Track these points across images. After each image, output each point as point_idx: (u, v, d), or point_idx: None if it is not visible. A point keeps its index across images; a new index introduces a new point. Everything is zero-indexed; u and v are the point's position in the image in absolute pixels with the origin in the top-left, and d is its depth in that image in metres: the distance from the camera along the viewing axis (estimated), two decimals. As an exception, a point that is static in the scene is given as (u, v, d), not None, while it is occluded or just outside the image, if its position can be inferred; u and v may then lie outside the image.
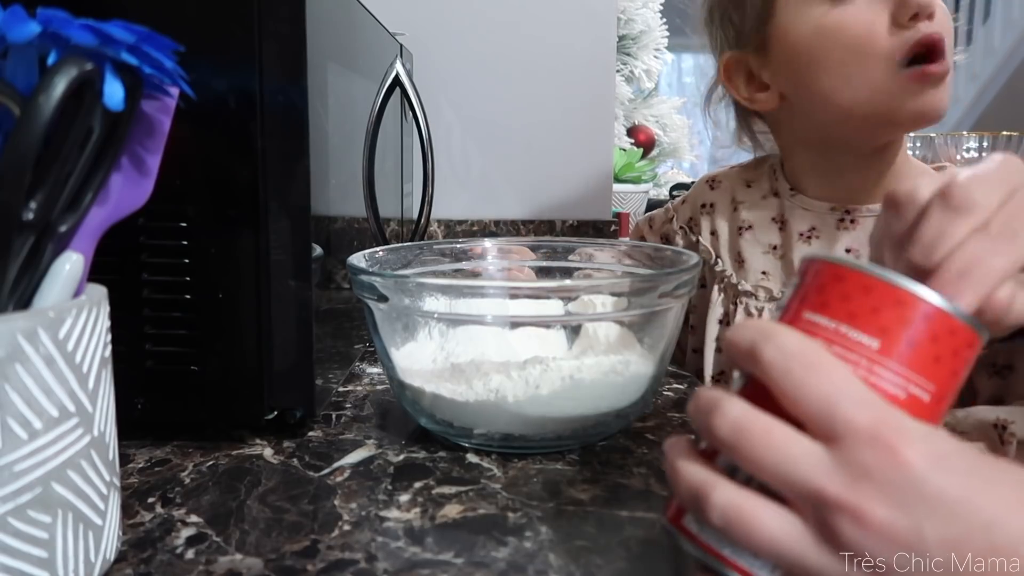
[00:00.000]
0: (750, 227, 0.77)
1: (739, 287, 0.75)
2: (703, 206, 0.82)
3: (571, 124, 1.14)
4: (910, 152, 1.34)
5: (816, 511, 0.25)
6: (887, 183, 0.70)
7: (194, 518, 0.41)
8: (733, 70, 0.73)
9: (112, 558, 0.35)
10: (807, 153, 0.74)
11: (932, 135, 1.29)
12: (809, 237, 0.72)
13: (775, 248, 0.75)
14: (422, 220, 0.79)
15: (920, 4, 0.59)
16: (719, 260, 0.78)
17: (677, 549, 0.31)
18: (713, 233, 0.80)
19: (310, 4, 0.47)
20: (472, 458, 0.49)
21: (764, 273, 0.74)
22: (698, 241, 0.81)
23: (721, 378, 0.76)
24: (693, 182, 0.92)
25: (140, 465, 0.47)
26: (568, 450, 0.50)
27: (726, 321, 0.76)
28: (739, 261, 0.76)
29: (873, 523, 0.24)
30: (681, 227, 0.83)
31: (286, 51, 0.47)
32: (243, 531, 0.39)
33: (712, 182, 0.83)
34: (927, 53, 0.60)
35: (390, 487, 0.45)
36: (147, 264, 0.48)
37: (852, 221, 0.71)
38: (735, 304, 0.75)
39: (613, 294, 0.53)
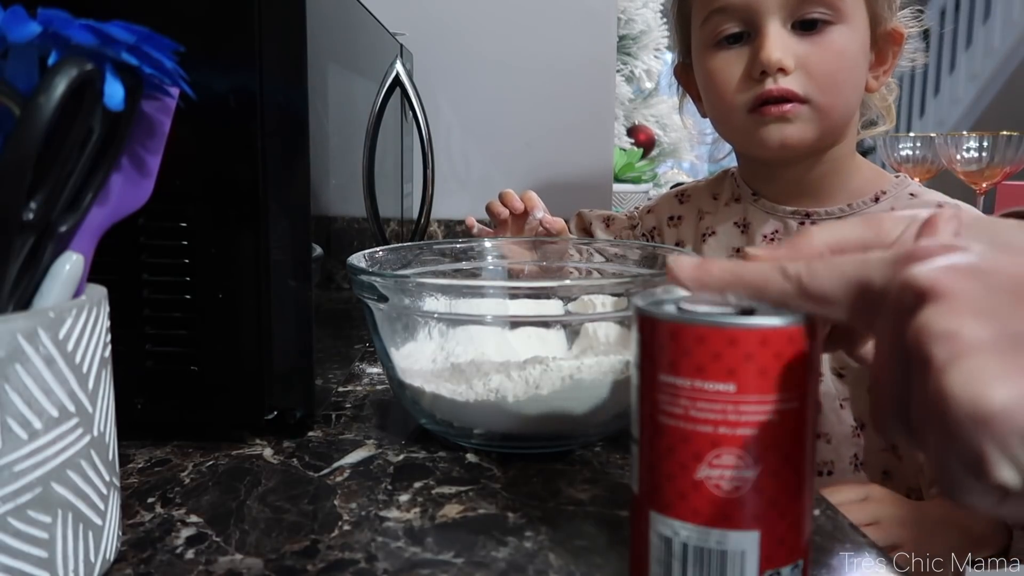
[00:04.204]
0: (713, 233, 0.80)
1: None
2: (671, 219, 0.86)
3: (571, 124, 1.14)
4: (909, 152, 1.34)
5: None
6: (840, 183, 0.74)
7: (194, 518, 0.41)
8: (680, 74, 0.82)
9: (112, 558, 0.35)
10: (744, 157, 0.80)
11: (932, 135, 1.29)
12: (772, 239, 0.76)
13: (738, 251, 0.78)
14: (422, 220, 0.80)
15: (767, 63, 0.66)
16: None
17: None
18: (678, 243, 0.84)
19: (310, 4, 0.47)
20: (472, 458, 0.49)
21: None
22: None
23: None
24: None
25: (140, 465, 0.47)
26: (568, 450, 0.50)
27: None
28: None
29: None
30: (644, 234, 0.87)
31: (286, 51, 0.47)
32: (243, 531, 0.39)
33: (681, 196, 0.87)
34: (773, 101, 0.68)
35: (390, 487, 0.45)
36: (147, 264, 0.48)
37: (813, 224, 0.74)
38: None
39: (613, 294, 0.53)
